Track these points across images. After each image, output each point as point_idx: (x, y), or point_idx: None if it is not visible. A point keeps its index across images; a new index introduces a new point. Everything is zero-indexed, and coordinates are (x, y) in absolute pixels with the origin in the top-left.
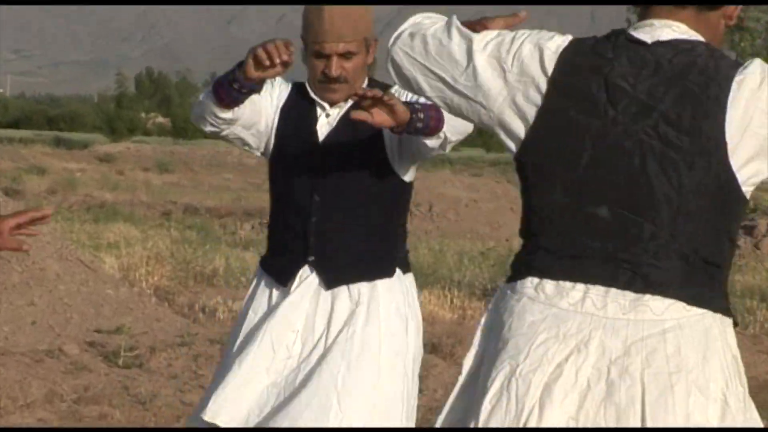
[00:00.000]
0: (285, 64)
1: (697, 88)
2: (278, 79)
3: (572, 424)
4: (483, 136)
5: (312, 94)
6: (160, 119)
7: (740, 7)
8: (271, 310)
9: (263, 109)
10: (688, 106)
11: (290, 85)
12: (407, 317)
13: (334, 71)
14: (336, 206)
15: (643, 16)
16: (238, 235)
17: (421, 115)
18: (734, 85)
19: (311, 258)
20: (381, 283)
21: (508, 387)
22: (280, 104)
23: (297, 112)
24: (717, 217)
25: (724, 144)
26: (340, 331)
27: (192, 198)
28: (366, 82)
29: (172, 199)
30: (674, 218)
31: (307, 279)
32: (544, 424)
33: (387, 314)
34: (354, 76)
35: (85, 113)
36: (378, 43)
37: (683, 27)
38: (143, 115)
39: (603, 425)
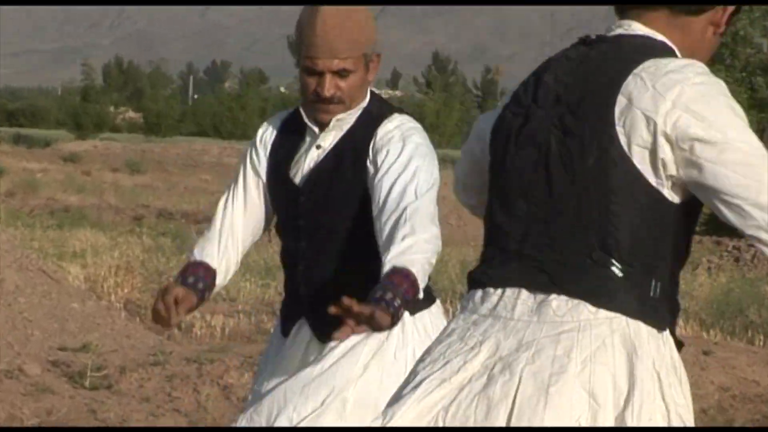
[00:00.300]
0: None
1: (604, 75)
2: (260, 131)
3: (441, 414)
4: None
5: (304, 117)
6: (131, 114)
7: (728, 14)
8: (276, 364)
9: (260, 192)
10: (590, 93)
11: (277, 124)
12: (405, 365)
13: (327, 91)
14: (323, 253)
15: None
16: None
17: (397, 302)
18: (637, 68)
19: (303, 308)
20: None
21: (404, 389)
22: (268, 152)
23: (285, 148)
24: (627, 213)
25: (613, 126)
26: (309, 365)
27: (166, 201)
28: (367, 99)
29: (143, 202)
30: (576, 211)
31: (301, 331)
32: (404, 411)
33: (375, 362)
34: (350, 95)
35: (47, 107)
36: (381, 57)
37: (637, 25)
38: (112, 109)
39: (471, 418)
